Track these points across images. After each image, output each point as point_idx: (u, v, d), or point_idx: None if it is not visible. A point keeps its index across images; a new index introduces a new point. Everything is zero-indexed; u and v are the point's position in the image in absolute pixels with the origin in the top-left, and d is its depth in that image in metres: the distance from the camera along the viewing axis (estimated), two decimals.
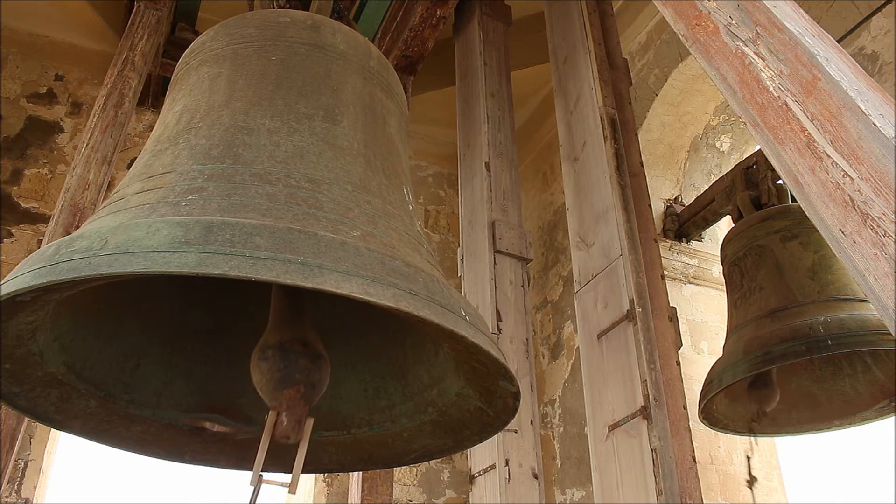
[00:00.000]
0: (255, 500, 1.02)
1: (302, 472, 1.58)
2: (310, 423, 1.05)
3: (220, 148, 1.23)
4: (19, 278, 0.96)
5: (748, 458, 3.12)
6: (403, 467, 4.61)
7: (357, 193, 1.24)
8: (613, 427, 2.09)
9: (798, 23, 1.12)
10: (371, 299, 0.95)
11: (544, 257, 5.45)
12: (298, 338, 1.08)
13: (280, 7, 1.92)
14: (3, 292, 0.97)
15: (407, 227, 1.29)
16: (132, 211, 1.10)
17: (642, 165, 2.55)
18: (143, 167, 1.27)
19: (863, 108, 0.96)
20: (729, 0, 1.21)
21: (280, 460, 1.53)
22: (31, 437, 3.88)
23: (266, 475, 1.02)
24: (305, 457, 1.52)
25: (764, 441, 4.14)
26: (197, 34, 3.04)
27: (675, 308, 2.27)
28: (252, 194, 1.11)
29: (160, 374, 1.48)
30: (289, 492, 1.04)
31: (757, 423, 2.71)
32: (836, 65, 1.04)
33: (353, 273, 0.97)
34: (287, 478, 1.04)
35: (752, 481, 3.12)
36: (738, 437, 3.57)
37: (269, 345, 1.07)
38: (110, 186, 3.09)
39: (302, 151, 1.26)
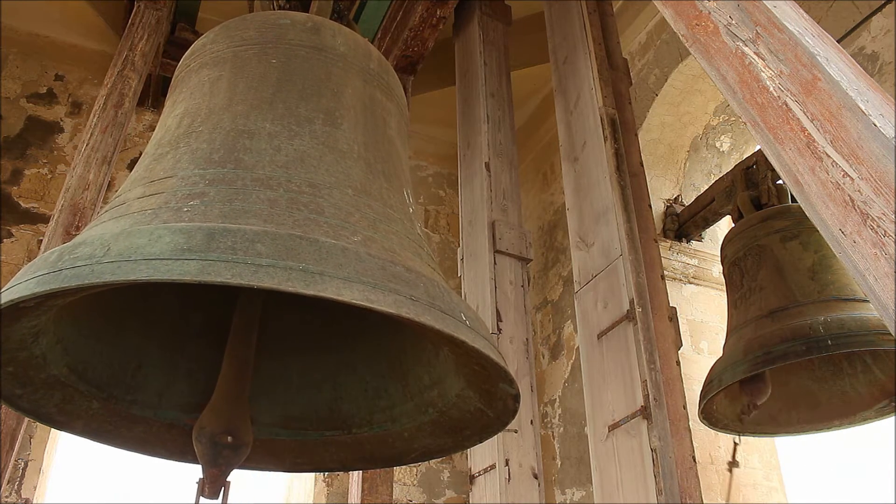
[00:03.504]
0: None
1: (303, 472, 1.61)
2: (228, 486, 1.27)
3: (221, 152, 1.23)
4: (22, 285, 0.97)
5: (735, 443, 3.14)
6: (403, 467, 4.62)
7: (358, 197, 1.24)
8: (613, 427, 2.09)
9: (798, 23, 1.12)
10: (372, 306, 0.96)
11: (544, 257, 5.45)
12: (227, 430, 1.27)
13: (280, 8, 1.93)
14: (6, 299, 0.97)
15: (407, 230, 1.30)
16: (134, 216, 1.10)
17: (642, 165, 2.55)
18: (145, 171, 1.27)
19: (863, 108, 0.96)
20: (729, 0, 1.21)
21: (277, 459, 1.54)
22: (31, 437, 3.88)
23: None
24: (307, 456, 1.54)
25: (764, 441, 4.14)
26: (197, 34, 3.05)
27: (675, 308, 2.27)
28: (253, 199, 1.12)
29: (162, 375, 1.49)
30: None
31: (746, 416, 2.73)
32: (836, 65, 1.04)
33: (354, 279, 0.97)
34: None
35: (732, 464, 3.16)
36: (737, 436, 3.57)
37: (205, 432, 1.26)
38: (110, 186, 3.10)
39: (303, 155, 1.26)
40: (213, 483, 1.25)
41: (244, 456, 1.30)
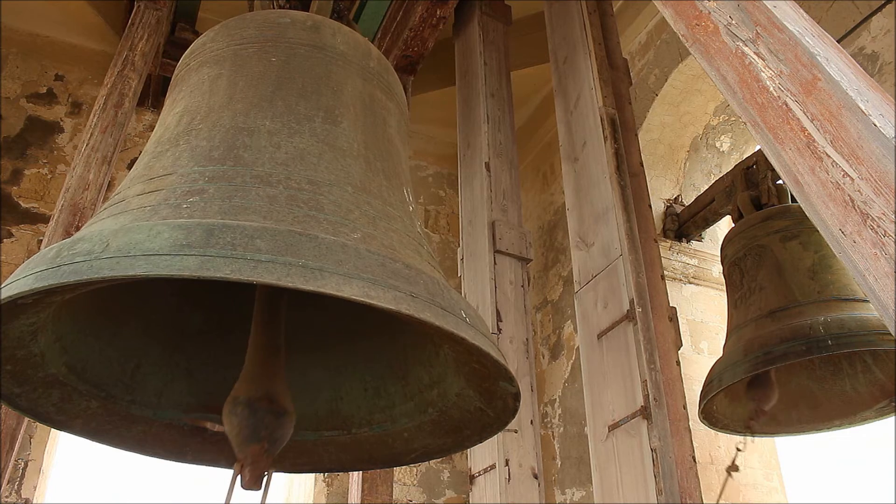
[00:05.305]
0: None
1: (303, 472, 1.60)
2: (271, 475, 1.09)
3: (220, 150, 1.23)
4: (21, 281, 0.96)
5: (738, 449, 3.14)
6: (403, 467, 4.62)
7: (357, 195, 1.24)
8: (613, 427, 2.09)
9: (798, 23, 1.12)
10: (372, 302, 0.95)
11: (544, 257, 5.45)
12: (266, 394, 1.11)
13: (280, 7, 1.92)
14: (4, 295, 0.97)
15: (407, 228, 1.29)
16: (133, 213, 1.10)
17: (642, 165, 2.55)
18: (144, 169, 1.27)
19: (863, 108, 0.96)
20: (729, 0, 1.21)
21: (276, 459, 1.54)
22: (31, 437, 3.88)
23: None
24: (306, 457, 1.53)
25: (764, 441, 4.14)
26: (197, 34, 3.04)
27: (675, 308, 2.27)
28: (253, 196, 1.11)
29: (161, 374, 1.48)
30: None
31: (755, 422, 2.73)
32: (836, 65, 1.04)
33: (353, 275, 0.97)
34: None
35: (732, 468, 3.14)
36: (738, 437, 3.57)
37: (239, 400, 1.11)
38: (110, 186, 3.09)
39: (302, 153, 1.26)
40: (256, 465, 1.04)
41: (289, 428, 1.11)
